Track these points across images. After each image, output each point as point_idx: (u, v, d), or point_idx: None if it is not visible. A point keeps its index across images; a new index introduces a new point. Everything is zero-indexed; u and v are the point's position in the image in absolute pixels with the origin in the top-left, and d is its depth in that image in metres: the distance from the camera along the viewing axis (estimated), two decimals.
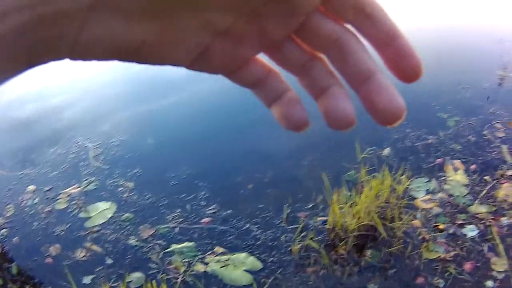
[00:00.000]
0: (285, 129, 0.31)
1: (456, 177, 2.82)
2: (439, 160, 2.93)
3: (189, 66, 0.28)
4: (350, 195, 2.55)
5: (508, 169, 2.86)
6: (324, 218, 2.53)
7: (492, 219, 2.61)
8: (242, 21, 0.25)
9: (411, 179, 2.78)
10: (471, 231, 2.55)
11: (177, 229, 2.49)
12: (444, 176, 2.83)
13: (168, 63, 0.27)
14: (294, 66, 0.30)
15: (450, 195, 2.73)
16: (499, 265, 2.41)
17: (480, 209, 2.65)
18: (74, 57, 0.24)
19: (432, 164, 2.91)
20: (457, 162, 2.91)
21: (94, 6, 0.21)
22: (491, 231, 2.53)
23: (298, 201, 2.63)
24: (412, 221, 2.58)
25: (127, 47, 0.24)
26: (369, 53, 0.28)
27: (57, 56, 0.23)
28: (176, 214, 2.57)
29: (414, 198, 2.70)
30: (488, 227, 2.56)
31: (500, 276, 2.36)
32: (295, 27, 0.27)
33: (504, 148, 3.00)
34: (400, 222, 2.53)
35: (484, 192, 2.72)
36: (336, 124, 0.29)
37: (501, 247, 2.45)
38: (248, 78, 0.30)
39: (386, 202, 2.59)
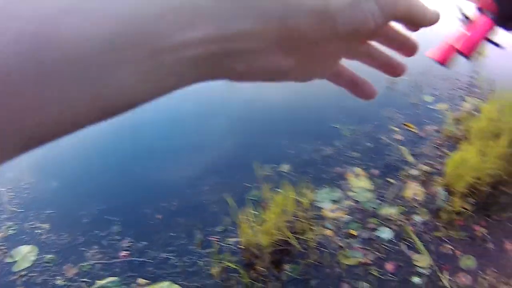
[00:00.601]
0: (362, 100, 0.47)
1: (360, 183, 2.92)
2: (339, 170, 3.03)
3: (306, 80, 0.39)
4: (257, 213, 2.57)
5: (411, 169, 3.03)
6: (237, 239, 2.55)
7: (404, 219, 2.71)
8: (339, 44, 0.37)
9: (315, 191, 2.84)
10: (385, 233, 2.63)
11: (98, 265, 2.51)
12: (347, 184, 2.92)
13: (290, 80, 0.37)
14: (363, 58, 0.44)
15: (357, 202, 2.81)
16: (421, 261, 2.49)
17: (390, 211, 2.75)
18: (235, 80, 0.33)
19: (333, 175, 3.00)
20: (358, 169, 3.03)
21: (264, 48, 0.30)
22: (406, 230, 2.62)
23: (207, 226, 2.66)
24: (324, 231, 2.62)
25: (275, 75, 0.34)
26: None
27: (223, 77, 0.32)
28: (94, 251, 2.59)
29: (321, 209, 2.75)
30: (401, 227, 2.65)
31: (426, 272, 2.44)
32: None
33: (404, 149, 3.19)
34: (312, 233, 2.56)
35: (390, 194, 2.85)
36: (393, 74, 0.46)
37: (419, 244, 2.54)
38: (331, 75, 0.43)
39: (294, 216, 2.61)
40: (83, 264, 2.53)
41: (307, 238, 2.55)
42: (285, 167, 3.06)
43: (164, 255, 2.54)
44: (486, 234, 2.67)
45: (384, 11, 0.35)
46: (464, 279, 2.44)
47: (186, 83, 0.29)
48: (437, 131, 3.39)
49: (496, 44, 0.47)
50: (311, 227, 2.61)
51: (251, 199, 2.78)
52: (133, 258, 2.54)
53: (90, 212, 2.83)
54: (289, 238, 2.50)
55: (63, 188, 3.09)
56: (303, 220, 2.62)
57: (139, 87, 0.26)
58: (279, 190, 2.71)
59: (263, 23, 0.29)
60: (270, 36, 0.30)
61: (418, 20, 0.39)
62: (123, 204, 2.89)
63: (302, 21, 0.31)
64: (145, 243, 2.62)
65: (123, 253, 2.57)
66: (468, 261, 2.53)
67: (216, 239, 2.59)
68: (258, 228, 2.50)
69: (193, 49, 0.27)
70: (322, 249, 2.53)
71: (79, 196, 2.99)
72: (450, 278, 2.43)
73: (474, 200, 2.77)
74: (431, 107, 3.68)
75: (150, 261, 2.52)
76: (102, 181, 3.10)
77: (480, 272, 2.47)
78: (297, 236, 2.55)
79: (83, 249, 2.62)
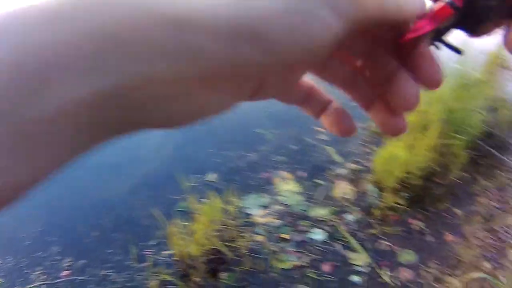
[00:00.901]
0: (338, 136, 0.39)
1: (287, 187, 2.84)
2: (266, 175, 2.94)
3: (248, 100, 0.32)
4: (187, 224, 2.53)
5: (339, 168, 2.96)
6: (170, 252, 2.52)
7: (336, 219, 2.63)
8: None
9: (243, 198, 2.76)
10: (317, 235, 2.55)
11: (43, 286, 2.51)
12: (275, 189, 2.84)
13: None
14: (339, 81, 0.36)
15: (286, 205, 2.72)
16: (358, 259, 2.43)
17: (320, 212, 2.67)
18: (159, 128, 0.27)
19: (260, 180, 2.92)
20: (284, 173, 2.94)
21: (181, 92, 0.25)
22: (339, 230, 2.55)
23: (141, 240, 2.64)
24: (256, 237, 2.54)
25: (206, 115, 0.29)
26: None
27: (143, 128, 0.26)
28: (38, 272, 2.58)
29: (250, 215, 2.67)
30: (334, 227, 2.58)
31: (364, 269, 2.38)
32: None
33: (330, 149, 3.12)
34: (244, 240, 2.48)
35: (320, 195, 2.78)
36: (389, 133, 0.36)
37: (354, 243, 2.47)
38: (296, 98, 0.37)
39: (223, 225, 2.54)
40: (29, 286, 2.51)
41: (239, 245, 2.47)
42: (212, 177, 2.99)
43: (103, 272, 2.52)
44: (423, 227, 2.63)
45: (344, 17, 0.26)
46: (406, 273, 2.38)
47: (85, 148, 0.24)
48: (364, 129, 3.35)
49: (455, 49, 0.33)
50: (242, 234, 2.53)
51: (179, 210, 2.74)
52: (75, 277, 2.53)
53: (30, 235, 2.82)
54: (220, 246, 2.44)
55: (2, 212, 3.06)
56: (233, 228, 2.55)
57: (17, 170, 0.22)
58: (206, 199, 2.64)
59: (173, 63, 0.23)
60: (187, 77, 0.24)
61: (394, 16, 0.29)
62: (60, 224, 2.89)
63: (220, 54, 0.24)
64: (84, 261, 2.61)
65: (65, 272, 2.57)
66: (407, 256, 2.47)
67: (150, 253, 2.56)
68: (189, 239, 2.46)
69: (70, 116, 0.21)
70: (255, 255, 2.46)
71: (19, 219, 2.96)
72: (391, 274, 2.36)
73: (407, 194, 2.70)
74: (356, 104, 3.64)
75: (91, 278, 2.51)
76: (38, 202, 3.07)
77: (422, 265, 2.41)
78: (229, 244, 2.48)
79: (27, 271, 2.60)
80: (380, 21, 0.29)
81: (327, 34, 0.26)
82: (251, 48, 0.24)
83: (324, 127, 0.38)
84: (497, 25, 0.33)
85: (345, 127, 0.37)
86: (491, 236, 2.57)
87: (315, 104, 0.37)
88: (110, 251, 2.64)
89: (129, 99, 0.22)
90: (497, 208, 2.72)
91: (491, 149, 3.06)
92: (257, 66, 0.25)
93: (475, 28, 0.33)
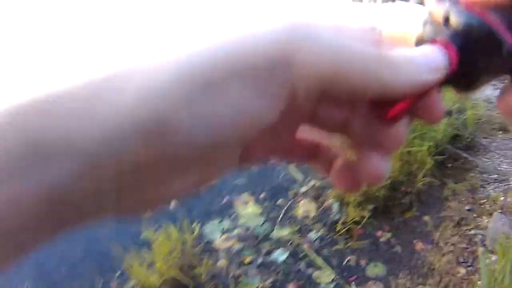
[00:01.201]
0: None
1: (248, 210, 2.80)
2: (226, 200, 2.90)
3: (239, 167, 0.31)
4: (147, 255, 2.53)
5: (301, 187, 2.90)
6: (133, 282, 2.52)
7: (299, 237, 2.58)
8: None
9: (203, 224, 2.72)
10: (280, 255, 2.51)
11: None
12: (235, 213, 2.80)
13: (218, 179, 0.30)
14: (336, 128, 0.33)
15: (247, 228, 2.68)
16: (324, 277, 2.38)
17: (282, 232, 2.62)
18: (121, 216, 0.28)
19: (220, 205, 2.88)
20: (244, 196, 2.90)
21: (122, 187, 0.24)
22: (302, 249, 2.50)
23: (106, 272, 2.65)
24: (218, 263, 2.51)
25: (171, 198, 0.29)
26: None
27: (102, 216, 0.27)
28: None
29: (211, 241, 2.63)
30: (297, 246, 2.53)
31: (331, 286, 2.32)
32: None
33: (292, 167, 3.05)
34: (205, 267, 2.44)
35: (281, 215, 2.73)
36: (369, 182, 0.33)
37: (319, 260, 2.40)
38: (299, 155, 0.35)
39: (183, 253, 2.50)
40: None
41: (200, 272, 2.43)
42: (172, 204, 2.85)
43: None
44: (391, 238, 2.55)
45: (284, 94, 0.25)
46: (374, 287, 2.31)
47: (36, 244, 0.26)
48: None
49: None
50: (203, 261, 2.48)
51: (142, 241, 2.70)
52: None
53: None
54: (179, 275, 2.41)
55: None
56: (193, 255, 2.52)
57: None
58: (167, 228, 2.62)
59: (97, 165, 0.23)
60: (116, 174, 0.23)
61: (372, 90, 0.27)
62: (30, 260, 2.62)
63: (141, 150, 0.23)
64: None
65: None
66: (375, 269, 2.40)
67: (115, 285, 2.58)
68: (149, 269, 2.47)
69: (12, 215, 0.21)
70: (217, 281, 2.42)
71: None
72: None
73: (372, 206, 2.63)
74: None
75: None
76: None
77: (392, 277, 2.34)
78: (189, 271, 2.46)
79: None
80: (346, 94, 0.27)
81: (268, 120, 0.25)
82: (163, 141, 0.23)
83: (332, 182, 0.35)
84: (491, 79, 0.31)
85: (350, 183, 0.34)
86: (463, 240, 2.49)
87: (323, 160, 0.35)
88: (78, 284, 2.64)
89: (66, 195, 0.22)
90: (468, 210, 2.64)
91: (460, 151, 2.99)
92: (179, 154, 0.24)
93: (468, 85, 0.30)
